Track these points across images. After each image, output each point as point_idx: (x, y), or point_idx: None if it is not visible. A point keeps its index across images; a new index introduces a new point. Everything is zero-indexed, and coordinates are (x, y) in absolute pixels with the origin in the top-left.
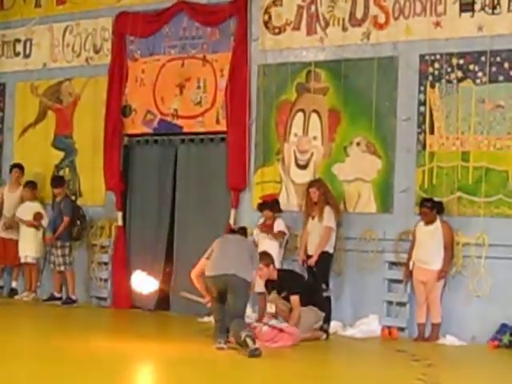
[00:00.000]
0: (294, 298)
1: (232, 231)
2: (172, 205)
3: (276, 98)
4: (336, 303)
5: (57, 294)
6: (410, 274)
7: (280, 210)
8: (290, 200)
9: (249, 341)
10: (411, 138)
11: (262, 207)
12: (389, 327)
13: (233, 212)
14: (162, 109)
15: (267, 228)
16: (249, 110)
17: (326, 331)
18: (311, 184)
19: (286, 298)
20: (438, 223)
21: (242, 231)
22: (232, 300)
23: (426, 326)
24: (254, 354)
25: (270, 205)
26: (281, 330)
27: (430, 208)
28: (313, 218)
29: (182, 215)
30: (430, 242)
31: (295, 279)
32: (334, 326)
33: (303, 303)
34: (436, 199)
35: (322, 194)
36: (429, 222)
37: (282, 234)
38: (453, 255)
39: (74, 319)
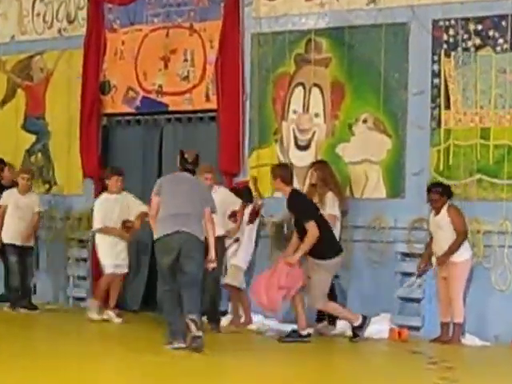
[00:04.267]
0: (311, 225)
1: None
2: None
3: (272, 70)
4: (342, 300)
5: None
6: (425, 267)
7: (250, 200)
8: None
9: (192, 326)
10: (424, 113)
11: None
12: (399, 327)
13: None
14: (145, 85)
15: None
16: (242, 85)
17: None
18: (311, 165)
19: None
20: (444, 211)
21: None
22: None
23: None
24: (194, 344)
25: (240, 193)
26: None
27: (440, 193)
28: None
29: None
30: (440, 233)
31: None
32: (341, 325)
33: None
34: (444, 183)
35: (321, 178)
36: (438, 209)
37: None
38: (463, 240)
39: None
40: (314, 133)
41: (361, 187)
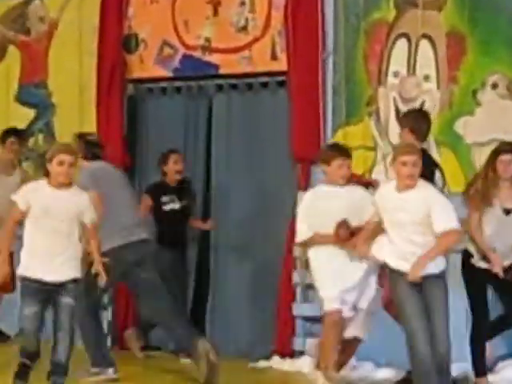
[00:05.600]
0: None
1: None
2: (206, 186)
3: (365, 17)
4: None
5: None
6: None
7: None
8: (390, 177)
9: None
10: None
11: None
12: None
13: (300, 196)
14: (187, 39)
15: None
16: (322, 38)
17: None
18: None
19: None
20: None
21: None
22: None
23: None
24: None
25: None
26: None
27: None
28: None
29: (221, 203)
30: None
31: None
32: (458, 367)
33: None
34: None
35: None
36: None
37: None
38: None
39: None
40: (423, 102)
41: None
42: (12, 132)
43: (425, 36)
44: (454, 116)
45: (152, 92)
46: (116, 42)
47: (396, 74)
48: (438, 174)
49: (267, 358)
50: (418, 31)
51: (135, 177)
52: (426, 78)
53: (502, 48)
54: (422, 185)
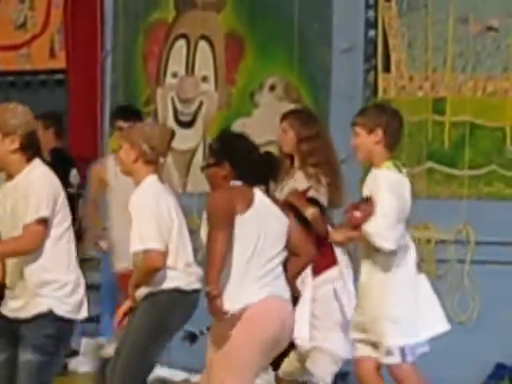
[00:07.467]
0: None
1: None
2: None
3: (144, 17)
4: None
5: None
6: None
7: None
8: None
9: None
10: (354, 78)
11: None
12: None
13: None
14: None
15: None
16: (101, 37)
17: None
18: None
19: None
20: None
21: None
22: None
23: None
24: None
25: None
26: None
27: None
28: None
29: None
30: None
31: None
32: None
33: None
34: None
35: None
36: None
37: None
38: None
39: None
40: (200, 103)
41: None
42: None
43: (204, 37)
44: (231, 117)
45: None
46: None
47: (174, 75)
48: (74, 172)
49: None
50: (197, 32)
51: None
52: (204, 79)
53: (279, 51)
54: None
